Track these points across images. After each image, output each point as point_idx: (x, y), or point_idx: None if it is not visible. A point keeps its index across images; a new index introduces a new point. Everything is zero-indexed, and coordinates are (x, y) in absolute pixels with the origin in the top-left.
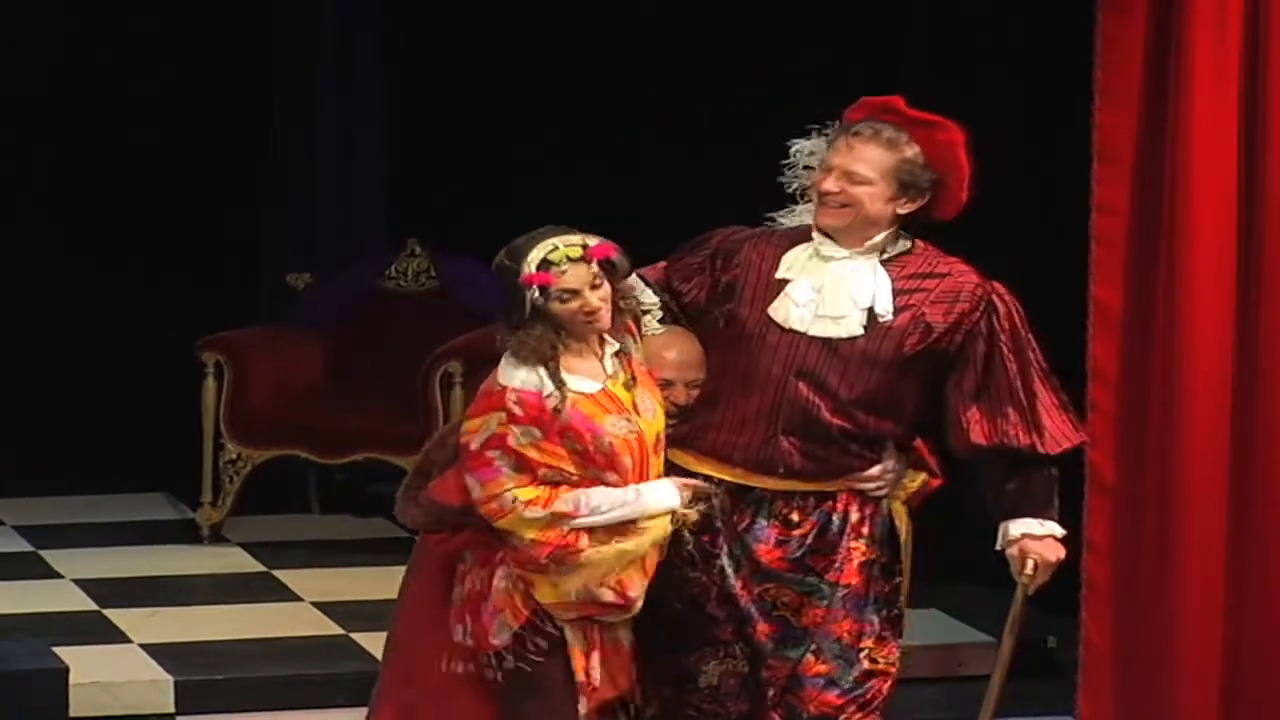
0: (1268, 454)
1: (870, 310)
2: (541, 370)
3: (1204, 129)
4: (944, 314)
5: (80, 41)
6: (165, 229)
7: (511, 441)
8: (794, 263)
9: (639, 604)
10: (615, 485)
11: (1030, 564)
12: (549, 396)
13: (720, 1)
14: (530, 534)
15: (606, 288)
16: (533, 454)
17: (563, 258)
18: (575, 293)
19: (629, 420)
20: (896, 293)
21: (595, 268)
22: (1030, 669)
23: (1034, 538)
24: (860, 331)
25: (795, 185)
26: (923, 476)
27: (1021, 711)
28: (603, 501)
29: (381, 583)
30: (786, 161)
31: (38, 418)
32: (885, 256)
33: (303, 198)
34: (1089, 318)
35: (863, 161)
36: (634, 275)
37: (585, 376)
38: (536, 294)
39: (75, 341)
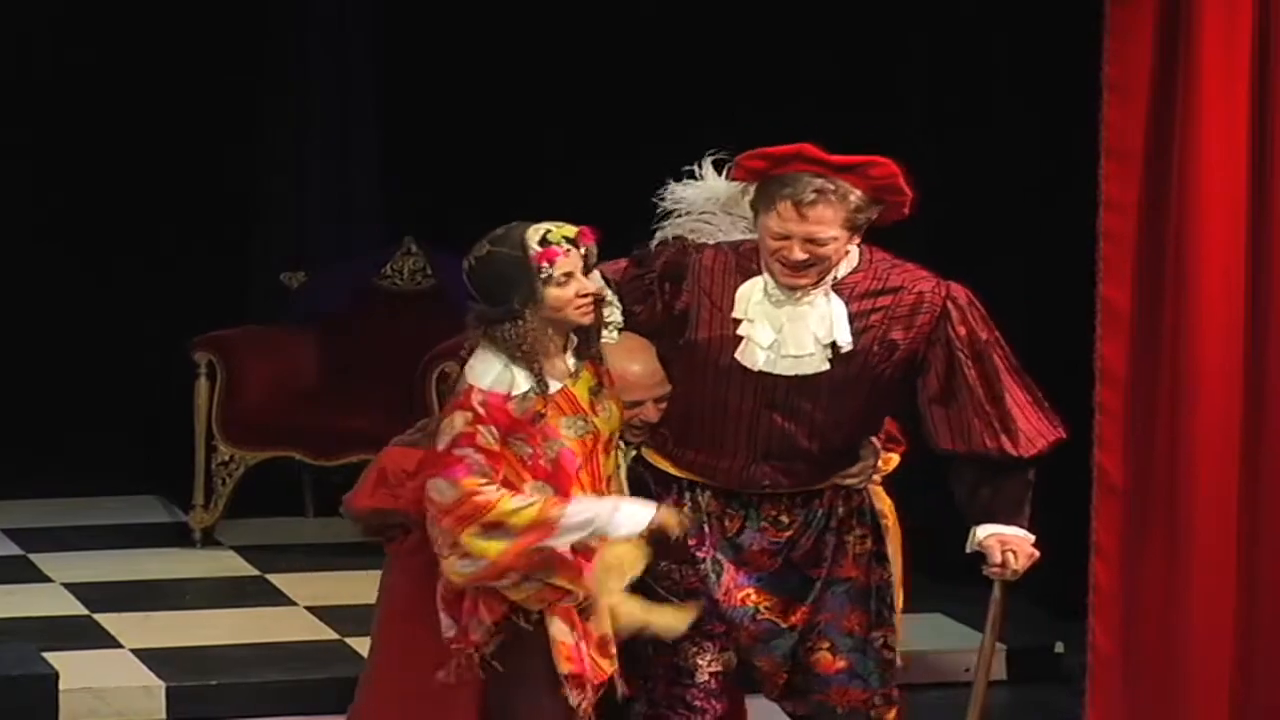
0: (1278, 455)
1: (833, 344)
2: (520, 370)
3: (1213, 123)
4: (905, 329)
5: (69, 35)
6: (156, 227)
7: (480, 440)
8: (747, 304)
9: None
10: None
11: (1008, 555)
12: (515, 399)
13: (721, 2)
14: (498, 543)
15: (596, 274)
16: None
17: (560, 238)
18: (571, 275)
19: (585, 420)
20: (853, 318)
21: (583, 252)
22: (1037, 675)
23: (1006, 536)
24: (826, 366)
25: (673, 231)
26: (895, 458)
27: (1028, 718)
28: (582, 512)
29: (376, 587)
30: (670, 207)
31: (27, 419)
32: (835, 281)
33: (297, 195)
34: (1097, 317)
35: (820, 224)
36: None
37: (551, 376)
38: (546, 270)
39: (66, 341)
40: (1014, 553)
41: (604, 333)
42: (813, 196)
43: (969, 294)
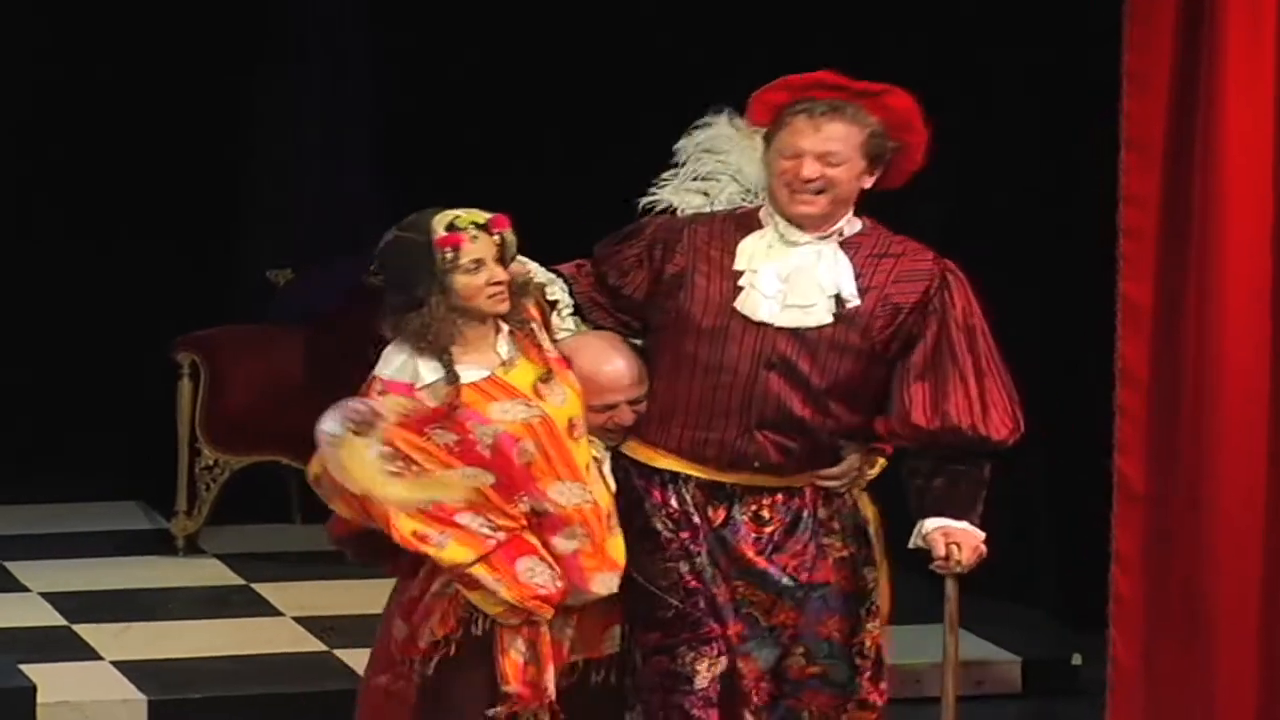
0: None
1: (837, 296)
2: (425, 361)
3: (1237, 112)
4: (907, 293)
5: (60, 31)
6: (140, 222)
7: None
8: (753, 252)
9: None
10: (492, 489)
11: (952, 547)
12: (424, 390)
13: (721, 2)
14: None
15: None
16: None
17: (468, 223)
18: (481, 262)
19: (527, 405)
20: (858, 275)
21: (497, 240)
22: (1054, 688)
23: (951, 529)
24: (829, 319)
25: (694, 176)
26: (881, 461)
27: None
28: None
29: (366, 596)
30: (680, 157)
31: (3, 421)
32: (842, 238)
33: (291, 193)
34: (1118, 316)
35: (834, 140)
36: (546, 270)
37: (473, 364)
38: (449, 257)
39: (45, 341)
40: (958, 545)
41: (554, 317)
42: (825, 108)
43: (965, 275)
